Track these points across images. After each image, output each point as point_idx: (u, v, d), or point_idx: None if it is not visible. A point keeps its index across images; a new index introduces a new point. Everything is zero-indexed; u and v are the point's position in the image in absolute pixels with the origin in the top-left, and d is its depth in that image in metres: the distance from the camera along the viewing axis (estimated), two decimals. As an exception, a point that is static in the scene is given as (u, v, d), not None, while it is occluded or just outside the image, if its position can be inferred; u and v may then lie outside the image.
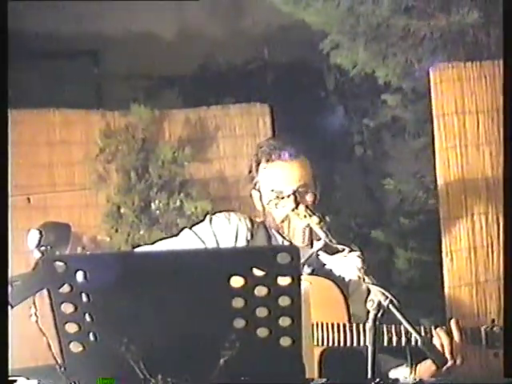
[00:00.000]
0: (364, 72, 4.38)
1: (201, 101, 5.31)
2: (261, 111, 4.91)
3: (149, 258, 1.96)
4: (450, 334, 2.71)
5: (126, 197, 4.52)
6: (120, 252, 2.67)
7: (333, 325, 2.74)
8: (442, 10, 3.95)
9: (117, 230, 4.49)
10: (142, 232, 4.48)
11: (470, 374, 3.82)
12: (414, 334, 2.16)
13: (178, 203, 4.54)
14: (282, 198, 2.90)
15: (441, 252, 4.04)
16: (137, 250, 2.94)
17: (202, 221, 3.12)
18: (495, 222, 4.00)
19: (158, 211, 4.53)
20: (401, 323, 2.24)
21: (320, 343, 2.72)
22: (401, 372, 2.68)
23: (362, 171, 5.87)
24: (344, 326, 2.74)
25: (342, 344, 2.72)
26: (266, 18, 5.67)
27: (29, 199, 4.64)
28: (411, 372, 2.42)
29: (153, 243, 3.17)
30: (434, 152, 4.03)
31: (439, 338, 2.68)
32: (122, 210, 4.50)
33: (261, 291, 1.87)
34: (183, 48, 5.90)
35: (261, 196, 3.00)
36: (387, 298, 2.17)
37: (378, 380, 2.13)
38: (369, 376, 2.16)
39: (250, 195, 3.09)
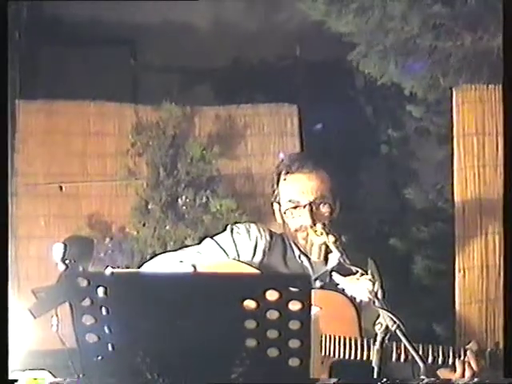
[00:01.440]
0: (391, 82, 4.44)
1: (232, 96, 5.40)
2: (289, 111, 5.02)
3: (167, 280, 2.05)
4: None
5: (153, 192, 4.64)
6: (140, 272, 2.77)
7: (345, 338, 2.83)
8: (469, 31, 4.00)
9: (144, 225, 4.61)
10: (167, 227, 4.59)
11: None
12: (418, 361, 2.23)
13: (204, 200, 4.63)
14: (298, 207, 2.99)
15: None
16: (157, 270, 3.01)
17: (223, 231, 3.20)
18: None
19: (184, 207, 4.64)
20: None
21: (331, 355, 2.82)
22: None
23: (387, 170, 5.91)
24: (356, 340, 2.82)
25: (352, 357, 2.80)
26: (302, 14, 5.70)
27: (61, 188, 4.76)
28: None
29: (176, 250, 3.25)
30: (452, 171, 4.11)
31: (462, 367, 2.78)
32: (149, 206, 4.61)
33: (272, 314, 1.95)
34: (218, 41, 5.95)
35: (280, 208, 3.10)
36: (395, 323, 2.26)
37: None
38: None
39: (272, 207, 3.18)
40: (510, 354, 2.68)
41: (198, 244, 3.22)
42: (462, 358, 2.81)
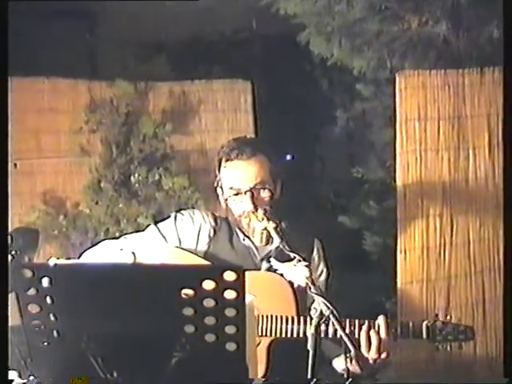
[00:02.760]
0: (340, 62, 4.53)
1: (188, 70, 5.44)
2: (243, 87, 5.05)
3: (108, 270, 2.13)
4: (378, 331, 2.84)
5: (106, 170, 4.68)
6: (82, 263, 2.83)
7: (281, 317, 2.92)
8: (414, 15, 4.08)
9: (97, 203, 4.65)
10: (120, 205, 4.64)
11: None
12: (350, 346, 2.34)
13: (156, 177, 4.70)
14: (239, 194, 3.08)
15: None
16: (98, 257, 3.08)
17: (167, 217, 3.27)
18: (449, 223, 4.21)
19: (137, 185, 4.69)
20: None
21: (268, 334, 2.91)
22: (342, 361, 2.83)
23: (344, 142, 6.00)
24: (292, 318, 2.91)
25: (288, 335, 2.90)
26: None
27: (15, 164, 4.79)
28: (346, 362, 2.56)
29: (119, 237, 3.31)
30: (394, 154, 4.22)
31: (367, 336, 2.84)
32: (102, 184, 4.66)
33: (209, 303, 2.05)
34: (176, 15, 5.96)
35: (223, 193, 3.18)
36: (329, 308, 2.36)
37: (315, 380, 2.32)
38: (308, 376, 2.35)
39: (215, 192, 3.26)
40: (510, 354, 2.78)
41: (143, 231, 3.28)
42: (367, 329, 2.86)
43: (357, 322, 2.88)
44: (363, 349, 2.81)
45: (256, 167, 3.07)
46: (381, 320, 2.86)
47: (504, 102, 3.34)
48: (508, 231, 3.23)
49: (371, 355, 2.80)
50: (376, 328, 2.84)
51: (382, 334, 2.82)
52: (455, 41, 4.22)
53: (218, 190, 3.22)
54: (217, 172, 3.19)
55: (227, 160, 3.11)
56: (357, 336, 2.83)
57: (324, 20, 4.31)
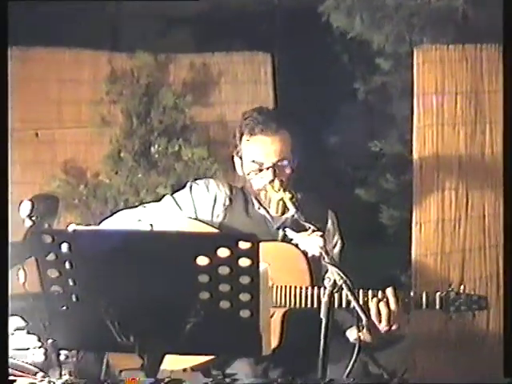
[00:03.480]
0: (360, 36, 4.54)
1: (209, 42, 5.45)
2: (263, 59, 5.07)
3: (126, 236, 2.18)
4: (387, 302, 2.88)
5: (126, 140, 4.72)
6: (101, 230, 2.88)
7: (295, 287, 2.97)
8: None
9: (116, 173, 4.70)
10: (140, 175, 4.68)
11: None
12: (361, 315, 2.38)
13: (176, 148, 4.73)
14: (262, 169, 3.11)
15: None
16: (119, 226, 3.13)
17: (183, 187, 3.31)
18: (464, 197, 4.23)
19: (156, 155, 4.73)
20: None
21: (282, 304, 2.97)
22: (355, 331, 2.84)
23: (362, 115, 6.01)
24: (306, 288, 2.96)
25: (302, 305, 2.94)
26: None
27: (37, 134, 4.85)
28: (358, 332, 2.60)
29: (137, 206, 3.36)
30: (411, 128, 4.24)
31: (377, 307, 2.88)
32: (122, 154, 4.71)
33: (224, 270, 2.10)
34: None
35: (242, 163, 3.21)
36: (342, 278, 2.40)
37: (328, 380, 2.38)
38: (321, 346, 2.40)
39: (232, 159, 3.30)
40: (510, 354, 2.80)
41: (159, 201, 3.32)
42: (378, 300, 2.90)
43: (370, 292, 2.92)
44: (374, 320, 2.85)
45: (279, 143, 3.11)
46: (389, 292, 2.90)
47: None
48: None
49: (382, 326, 2.84)
50: (385, 299, 2.88)
51: (392, 306, 2.86)
52: (474, 16, 4.22)
53: (237, 160, 3.26)
54: (237, 142, 3.22)
55: (251, 134, 3.14)
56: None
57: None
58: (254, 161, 3.13)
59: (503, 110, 3.25)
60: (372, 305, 2.87)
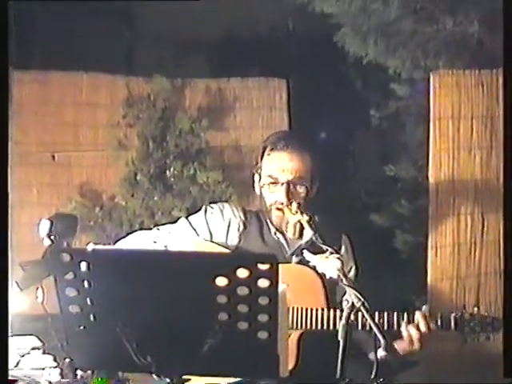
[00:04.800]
0: (375, 61, 4.57)
1: (224, 68, 5.49)
2: (278, 85, 5.11)
3: (145, 256, 2.19)
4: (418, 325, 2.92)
5: (142, 163, 4.75)
6: (120, 249, 2.89)
7: (312, 309, 2.98)
8: (449, 15, 4.11)
9: (132, 195, 4.72)
10: (156, 198, 4.71)
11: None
12: (380, 337, 2.37)
13: (191, 171, 4.76)
14: (276, 184, 3.12)
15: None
16: (135, 247, 3.14)
17: (198, 210, 3.32)
18: (480, 221, 4.24)
19: (172, 178, 4.76)
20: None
21: (299, 326, 2.97)
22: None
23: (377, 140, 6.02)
24: (323, 310, 2.97)
25: (319, 328, 2.95)
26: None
27: (53, 156, 4.88)
28: (375, 353, 2.59)
29: (152, 228, 3.37)
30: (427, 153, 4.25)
31: (408, 331, 2.91)
32: (138, 177, 4.73)
33: (243, 291, 2.10)
34: (212, 12, 6.01)
35: (260, 180, 3.23)
36: (360, 300, 2.40)
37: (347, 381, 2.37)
38: (338, 368, 2.39)
39: (252, 177, 3.31)
40: (510, 354, 2.80)
41: (174, 223, 3.33)
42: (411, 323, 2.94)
43: (386, 314, 2.93)
44: (404, 342, 2.91)
45: (298, 162, 3.12)
46: (419, 315, 2.94)
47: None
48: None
49: (406, 347, 2.87)
50: (415, 322, 2.93)
51: (422, 328, 2.90)
52: (489, 41, 4.25)
53: (256, 177, 3.27)
54: (259, 158, 3.23)
55: (272, 149, 3.16)
56: (386, 327, 2.89)
57: (360, 19, 4.36)
58: (270, 175, 3.14)
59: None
60: (403, 328, 2.92)
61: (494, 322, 2.98)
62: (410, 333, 2.92)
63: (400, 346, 2.95)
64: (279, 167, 3.13)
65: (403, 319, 2.96)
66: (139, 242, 3.21)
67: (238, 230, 3.21)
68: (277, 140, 3.18)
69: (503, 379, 2.77)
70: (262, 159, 3.23)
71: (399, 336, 2.93)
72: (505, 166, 3.13)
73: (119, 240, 3.28)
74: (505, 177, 3.30)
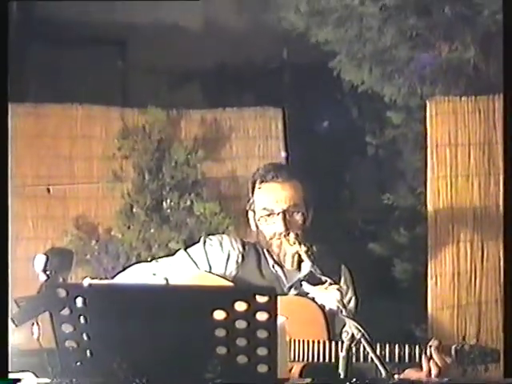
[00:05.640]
0: (371, 90, 4.57)
1: (219, 98, 5.49)
2: (274, 114, 5.08)
3: (142, 291, 2.17)
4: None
5: (138, 195, 4.72)
6: (116, 284, 2.87)
7: (313, 341, 2.96)
8: (445, 41, 4.12)
9: (129, 227, 4.69)
10: (152, 230, 4.67)
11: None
12: (381, 368, 2.34)
13: (188, 203, 4.73)
14: (272, 215, 3.10)
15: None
16: (132, 282, 3.12)
17: (197, 242, 3.30)
18: (479, 249, 4.21)
19: (168, 210, 4.73)
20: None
21: (300, 359, 2.94)
22: None
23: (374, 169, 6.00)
24: (324, 342, 2.95)
25: (320, 360, 2.93)
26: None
27: (48, 190, 4.84)
28: None
29: (151, 260, 3.35)
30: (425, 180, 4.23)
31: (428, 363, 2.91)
32: (134, 209, 4.70)
33: (241, 324, 2.08)
34: (208, 42, 6.01)
35: (254, 216, 3.21)
36: (360, 331, 2.37)
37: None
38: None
39: (247, 215, 3.29)
40: (510, 354, 2.78)
41: (173, 255, 3.31)
42: (427, 356, 2.94)
43: (387, 345, 2.90)
44: (422, 373, 2.91)
45: (290, 191, 3.12)
46: (434, 345, 2.95)
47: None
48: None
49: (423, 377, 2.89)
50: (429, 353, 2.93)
51: (439, 363, 2.92)
52: (485, 67, 4.25)
53: (250, 213, 3.26)
54: (250, 194, 3.23)
55: (262, 181, 3.17)
56: (389, 359, 2.87)
57: (355, 47, 4.37)
58: (265, 208, 3.15)
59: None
60: (424, 361, 2.92)
61: (493, 353, 2.99)
62: (430, 366, 2.92)
63: (414, 375, 2.95)
64: (273, 198, 3.14)
65: (403, 350, 2.95)
66: (138, 275, 3.19)
67: (237, 262, 3.21)
68: (265, 172, 3.20)
69: (503, 379, 2.74)
70: (253, 194, 3.23)
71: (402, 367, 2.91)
72: (504, 193, 3.12)
73: (118, 274, 3.26)
74: (505, 203, 3.29)
